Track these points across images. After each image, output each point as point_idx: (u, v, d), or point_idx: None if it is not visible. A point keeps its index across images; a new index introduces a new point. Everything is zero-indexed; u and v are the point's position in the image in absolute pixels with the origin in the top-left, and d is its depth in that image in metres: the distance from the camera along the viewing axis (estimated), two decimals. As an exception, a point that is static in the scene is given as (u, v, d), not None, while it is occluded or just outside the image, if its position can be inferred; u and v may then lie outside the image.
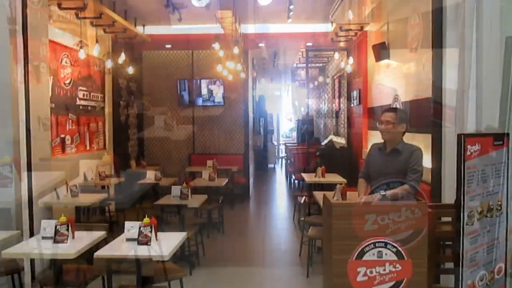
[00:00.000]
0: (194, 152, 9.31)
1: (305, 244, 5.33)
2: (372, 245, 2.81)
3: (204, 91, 9.14)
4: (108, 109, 7.50)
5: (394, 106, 6.21)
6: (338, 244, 2.82)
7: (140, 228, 3.09)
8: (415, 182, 3.31)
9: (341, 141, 9.96)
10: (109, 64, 6.65)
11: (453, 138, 4.42)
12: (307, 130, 17.56)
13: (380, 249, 2.81)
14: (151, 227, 3.08)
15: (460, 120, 4.17)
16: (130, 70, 7.54)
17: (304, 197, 5.48)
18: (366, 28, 7.37)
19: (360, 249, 2.80)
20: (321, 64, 12.69)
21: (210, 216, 6.46)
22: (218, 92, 9.11)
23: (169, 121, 9.24)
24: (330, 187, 6.61)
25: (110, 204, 6.73)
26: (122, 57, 6.91)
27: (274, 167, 15.65)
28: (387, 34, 6.42)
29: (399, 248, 2.80)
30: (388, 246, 2.80)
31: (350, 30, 7.37)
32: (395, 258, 2.81)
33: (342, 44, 8.73)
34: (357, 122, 8.50)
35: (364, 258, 2.80)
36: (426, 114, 4.79)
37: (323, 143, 9.36)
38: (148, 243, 3.06)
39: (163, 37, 8.40)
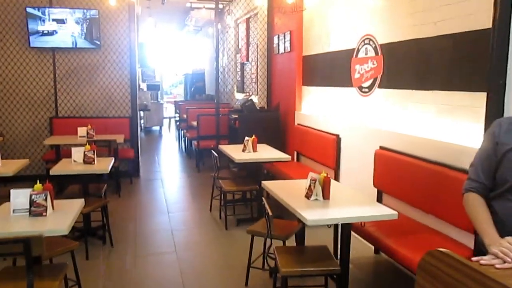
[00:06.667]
0: (58, 115, 6.54)
1: (253, 268, 3.33)
2: None
3: (70, 26, 6.29)
4: None
5: (363, 51, 4.38)
6: None
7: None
8: None
9: (254, 100, 8.01)
10: None
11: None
12: (197, 86, 15.29)
13: None
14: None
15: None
16: None
17: (266, 194, 3.39)
18: None
19: None
20: (221, 6, 10.39)
21: (88, 222, 4.06)
22: (93, 29, 6.34)
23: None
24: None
25: None
26: None
27: (161, 130, 13.22)
28: None
29: None
30: None
31: None
32: None
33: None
34: (285, 77, 6.58)
35: None
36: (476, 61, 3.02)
37: (237, 103, 7.29)
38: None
39: None
